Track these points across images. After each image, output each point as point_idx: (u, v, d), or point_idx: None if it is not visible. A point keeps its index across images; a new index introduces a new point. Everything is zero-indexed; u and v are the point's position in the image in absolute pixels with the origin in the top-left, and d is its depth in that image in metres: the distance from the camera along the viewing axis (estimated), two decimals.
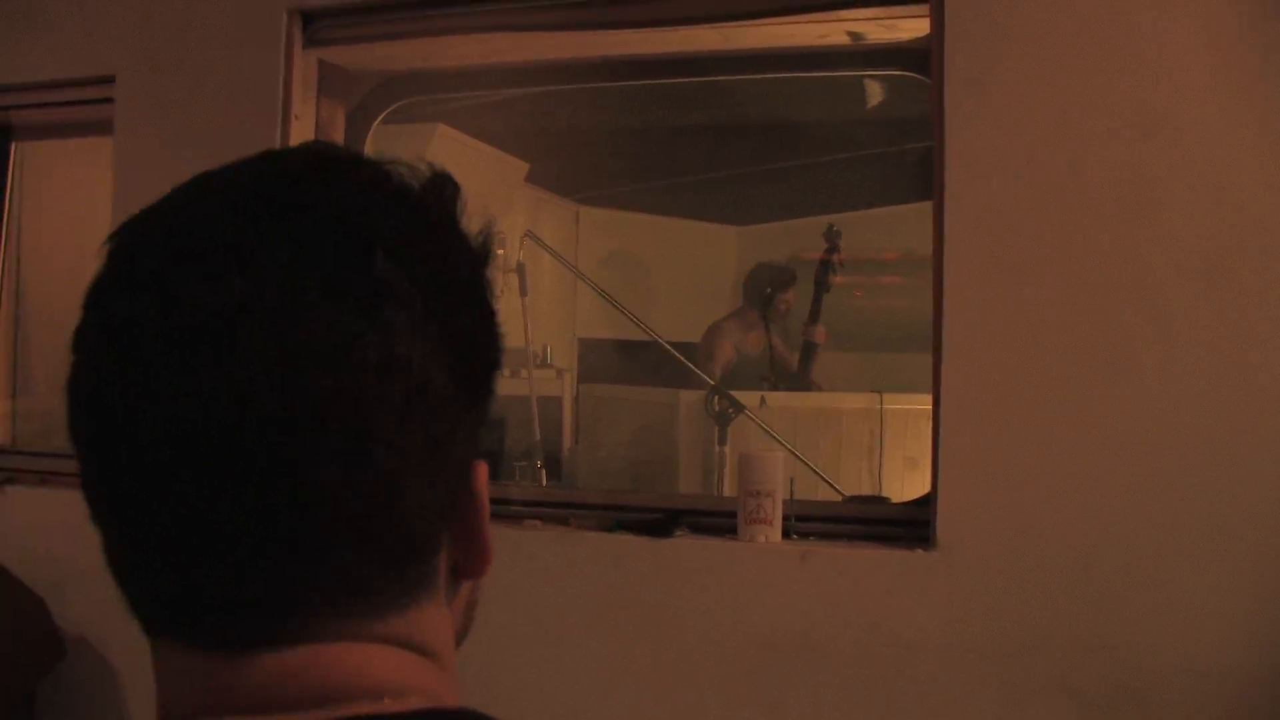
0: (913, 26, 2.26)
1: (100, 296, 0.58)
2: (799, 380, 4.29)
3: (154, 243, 0.58)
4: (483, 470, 0.64)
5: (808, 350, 4.22)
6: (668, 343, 3.61)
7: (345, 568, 0.57)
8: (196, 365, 0.53)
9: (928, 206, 2.14)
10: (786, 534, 2.18)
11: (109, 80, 2.64)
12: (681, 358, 3.59)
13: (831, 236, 4.10)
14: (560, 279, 4.81)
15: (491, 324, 0.64)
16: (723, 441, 3.34)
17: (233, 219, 0.57)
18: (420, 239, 0.60)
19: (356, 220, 0.58)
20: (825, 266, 4.11)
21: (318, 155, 0.64)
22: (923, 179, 2.17)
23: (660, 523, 2.23)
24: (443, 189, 0.64)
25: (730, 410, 3.32)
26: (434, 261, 0.60)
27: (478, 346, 0.63)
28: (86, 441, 0.57)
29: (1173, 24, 1.96)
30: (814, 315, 4.18)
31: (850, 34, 2.36)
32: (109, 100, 2.64)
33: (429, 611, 0.61)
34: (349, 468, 0.55)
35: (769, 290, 4.36)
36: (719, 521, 2.25)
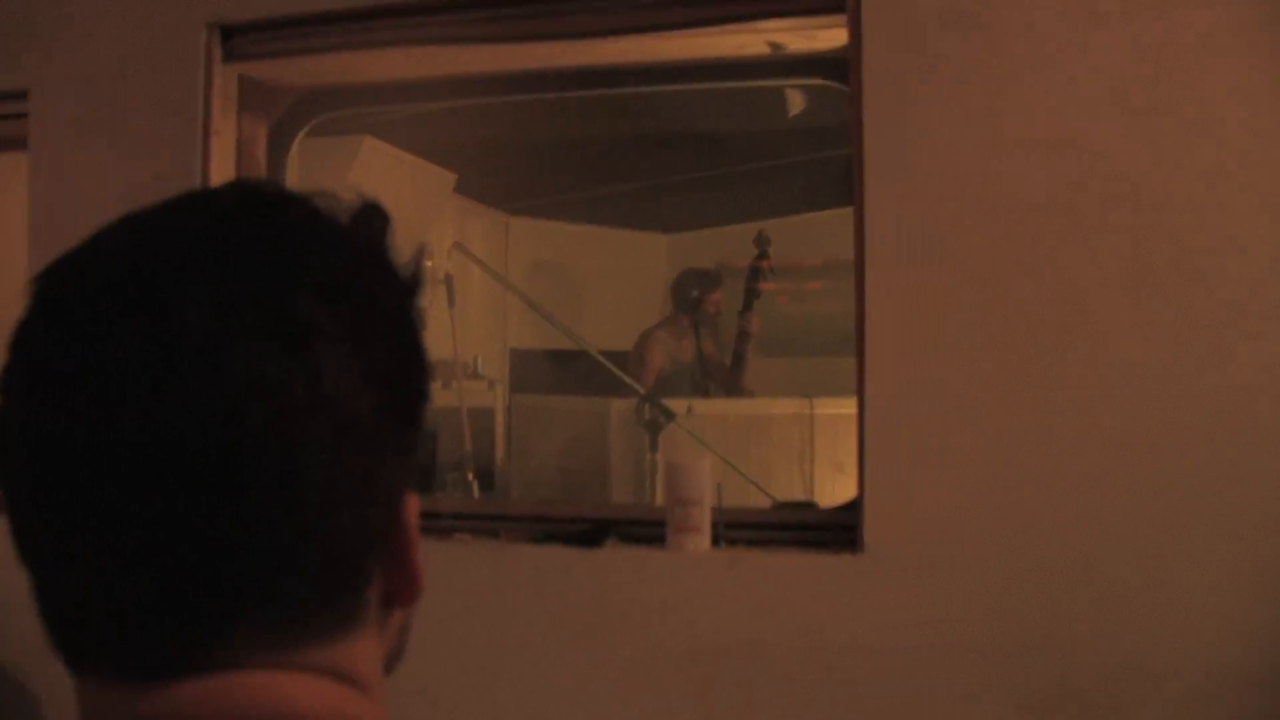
0: (831, 36, 2.29)
1: (27, 337, 0.59)
2: (732, 383, 4.32)
3: (81, 282, 0.59)
4: (413, 501, 0.65)
5: (742, 342, 4.24)
6: (599, 352, 3.62)
7: (275, 598, 0.58)
8: (124, 403, 0.54)
9: (850, 212, 2.17)
10: (716, 541, 2.19)
11: (22, 95, 2.59)
12: (612, 367, 3.60)
13: (761, 243, 4.15)
14: (490, 289, 4.80)
15: (419, 357, 0.65)
16: (654, 450, 3.36)
17: (159, 258, 0.58)
18: (347, 276, 0.61)
19: (283, 259, 0.59)
20: (755, 273, 4.16)
21: (245, 193, 0.65)
22: (845, 185, 2.20)
23: (590, 533, 2.24)
24: (371, 221, 0.65)
25: (661, 419, 3.34)
26: (361, 298, 0.61)
27: (405, 381, 0.64)
28: (15, 480, 0.58)
29: (1090, 38, 2.00)
30: (747, 304, 4.22)
31: (770, 44, 2.38)
32: (23, 116, 2.59)
33: (358, 641, 0.62)
34: (279, 501, 0.56)
35: (696, 294, 4.40)
36: (649, 531, 2.25)
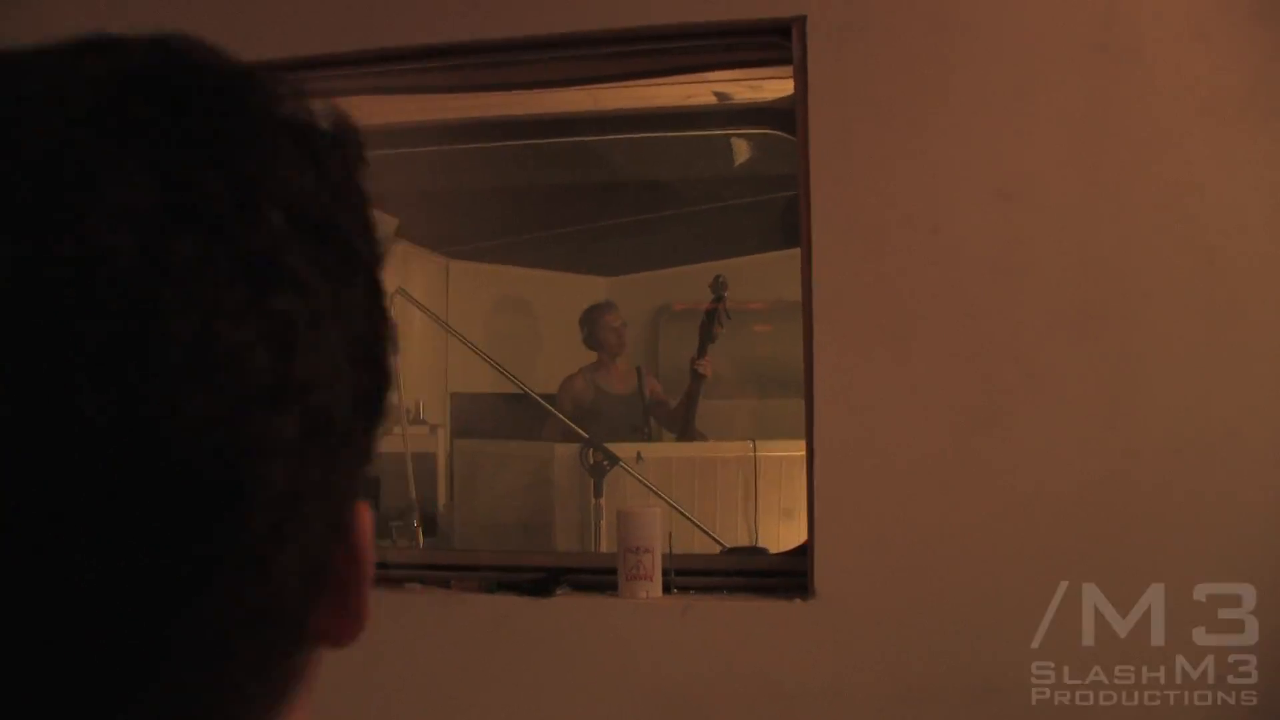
0: (777, 87, 2.33)
1: None
2: (683, 425, 4.26)
3: None
4: (365, 514, 0.46)
5: (695, 384, 4.21)
6: (539, 395, 3.62)
7: (205, 660, 0.39)
8: None
9: (792, 254, 2.19)
10: (667, 588, 2.20)
11: None
12: (553, 409, 3.60)
13: (718, 287, 4.13)
14: (431, 333, 4.77)
15: (390, 331, 0.46)
16: (598, 494, 3.36)
17: (59, 133, 0.37)
18: (325, 204, 0.42)
19: (242, 159, 0.39)
20: (712, 315, 4.15)
21: (175, 53, 0.42)
22: (787, 228, 2.23)
23: (542, 582, 2.23)
24: (346, 146, 0.44)
25: (605, 463, 3.34)
26: (342, 240, 0.42)
27: (377, 364, 0.45)
28: None
29: (1038, 91, 2.05)
30: (702, 347, 4.20)
31: (717, 94, 2.42)
32: None
33: (296, 711, 0.46)
34: (220, 530, 0.37)
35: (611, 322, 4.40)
36: (600, 579, 2.25)
